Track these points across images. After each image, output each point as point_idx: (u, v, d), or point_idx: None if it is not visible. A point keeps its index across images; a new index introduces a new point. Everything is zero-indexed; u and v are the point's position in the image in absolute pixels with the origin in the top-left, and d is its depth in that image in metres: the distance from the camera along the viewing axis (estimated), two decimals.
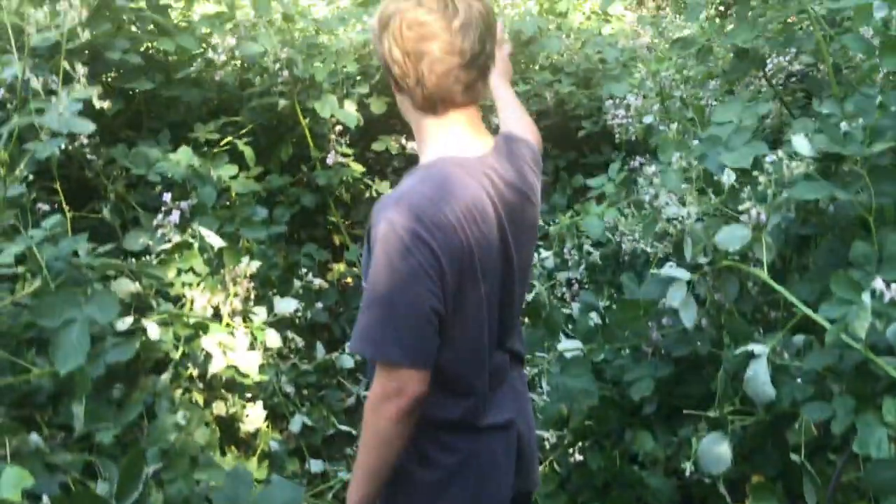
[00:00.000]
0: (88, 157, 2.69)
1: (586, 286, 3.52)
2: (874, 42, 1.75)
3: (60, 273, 2.11)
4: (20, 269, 2.02)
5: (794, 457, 1.60)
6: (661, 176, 2.02)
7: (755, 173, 1.76)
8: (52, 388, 1.81)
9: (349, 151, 3.55)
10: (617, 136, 3.46)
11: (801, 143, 1.74)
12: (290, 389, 2.90)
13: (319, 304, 3.22)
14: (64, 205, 2.54)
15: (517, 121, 1.69)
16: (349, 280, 3.77)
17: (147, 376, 2.09)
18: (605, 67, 4.29)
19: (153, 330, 2.27)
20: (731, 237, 1.71)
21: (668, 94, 2.97)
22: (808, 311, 1.57)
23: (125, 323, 2.22)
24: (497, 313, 1.42)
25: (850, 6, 1.85)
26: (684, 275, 1.82)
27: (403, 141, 3.77)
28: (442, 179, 1.33)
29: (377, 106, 3.66)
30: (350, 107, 3.43)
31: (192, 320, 2.30)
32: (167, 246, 2.45)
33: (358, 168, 3.60)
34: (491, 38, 1.34)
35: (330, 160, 3.38)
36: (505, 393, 1.48)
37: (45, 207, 2.46)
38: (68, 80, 1.72)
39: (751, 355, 1.60)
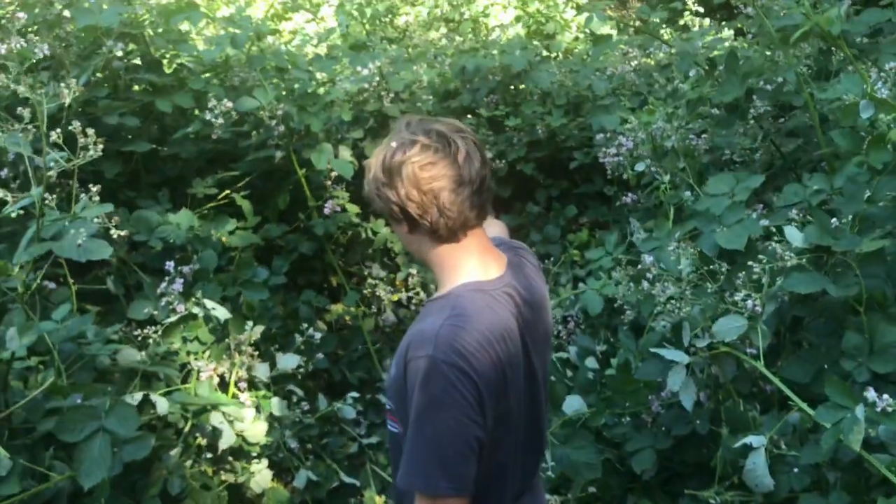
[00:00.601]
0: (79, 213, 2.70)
1: (582, 326, 3.58)
2: (860, 135, 1.81)
3: (70, 355, 2.16)
4: (32, 361, 2.06)
5: None
6: (656, 254, 2.07)
7: (750, 263, 1.82)
8: (71, 488, 1.85)
9: (345, 195, 3.59)
10: (609, 172, 3.51)
11: (792, 233, 1.81)
12: (294, 444, 2.95)
13: (320, 355, 3.27)
14: (68, 277, 2.57)
15: (492, 223, 1.77)
16: (347, 319, 3.82)
17: (159, 459, 2.13)
18: (595, 97, 4.33)
19: (162, 405, 2.31)
20: (729, 328, 1.78)
21: (659, 145, 3.03)
22: (804, 406, 1.63)
23: (134, 399, 2.26)
24: (524, 425, 1.48)
25: (841, 97, 1.91)
26: (683, 358, 1.88)
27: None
28: (471, 309, 1.38)
29: (371, 149, 3.69)
30: (345, 152, 3.47)
31: (200, 396, 2.34)
32: (173, 319, 2.48)
33: (354, 210, 3.64)
34: (484, 161, 1.42)
35: (328, 210, 3.42)
36: (528, 499, 1.54)
37: (52, 285, 2.48)
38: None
39: (749, 448, 1.66)
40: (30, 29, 2.86)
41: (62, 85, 1.66)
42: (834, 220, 1.79)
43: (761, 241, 2.03)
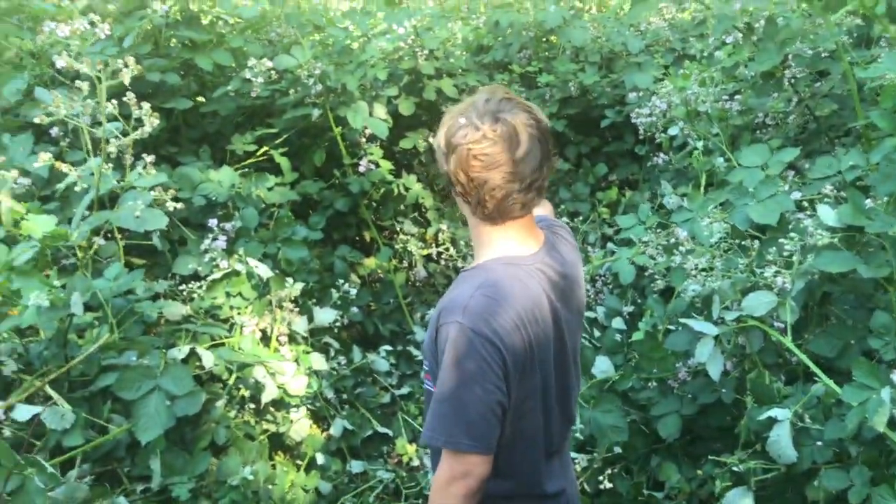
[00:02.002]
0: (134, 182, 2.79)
1: (610, 286, 3.64)
2: None
3: (121, 310, 2.26)
4: (87, 316, 2.17)
5: None
6: (688, 226, 2.12)
7: (781, 240, 1.86)
8: (128, 441, 1.97)
9: (378, 151, 3.64)
10: (641, 133, 3.52)
11: (826, 212, 1.84)
12: (330, 395, 3.08)
13: (355, 309, 3.37)
14: (116, 233, 2.66)
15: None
16: (380, 273, 3.91)
17: (207, 412, 2.25)
18: (628, 55, 4.29)
19: (207, 359, 2.41)
20: (758, 303, 1.83)
21: (692, 109, 3.03)
22: (830, 383, 1.70)
23: (182, 352, 2.37)
24: (557, 395, 1.56)
25: (878, 76, 1.91)
26: (711, 330, 1.93)
27: (431, 138, 3.85)
28: (502, 283, 1.45)
29: (405, 107, 3.73)
30: (380, 110, 3.51)
31: (244, 350, 2.44)
32: (217, 275, 2.58)
33: (387, 166, 3.69)
34: (547, 158, 1.45)
35: (362, 167, 3.48)
36: (559, 464, 1.63)
37: (101, 241, 2.58)
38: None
39: (774, 420, 1.73)
40: None
41: (119, 63, 1.71)
42: (868, 200, 1.82)
43: (792, 214, 2.06)
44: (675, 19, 4.69)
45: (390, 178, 3.69)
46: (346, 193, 3.61)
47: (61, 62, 1.77)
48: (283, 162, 3.29)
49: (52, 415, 1.70)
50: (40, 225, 1.76)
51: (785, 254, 1.87)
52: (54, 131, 2.54)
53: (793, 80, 2.89)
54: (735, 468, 1.87)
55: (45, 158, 1.75)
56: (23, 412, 1.74)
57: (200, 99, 3.33)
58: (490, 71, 4.41)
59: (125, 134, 1.76)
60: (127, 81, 1.74)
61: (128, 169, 1.82)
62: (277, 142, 3.36)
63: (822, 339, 1.94)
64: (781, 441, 1.71)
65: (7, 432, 1.70)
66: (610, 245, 3.61)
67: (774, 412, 1.73)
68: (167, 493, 1.94)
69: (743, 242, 1.95)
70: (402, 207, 3.93)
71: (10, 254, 1.71)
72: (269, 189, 3.22)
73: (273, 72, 3.19)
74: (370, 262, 3.86)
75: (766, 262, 1.90)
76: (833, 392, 1.80)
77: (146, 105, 1.75)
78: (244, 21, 3.37)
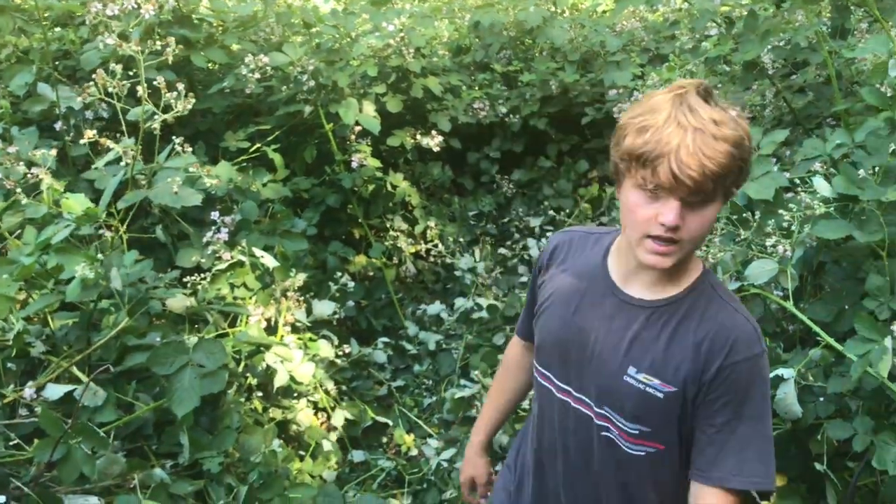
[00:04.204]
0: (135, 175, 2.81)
1: None
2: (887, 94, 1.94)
3: (132, 298, 2.29)
4: (104, 303, 2.19)
5: (817, 466, 1.84)
6: None
7: (780, 212, 1.96)
8: (154, 419, 2.00)
9: (367, 149, 3.70)
10: None
11: (821, 183, 1.95)
12: (330, 386, 3.11)
13: (351, 303, 3.42)
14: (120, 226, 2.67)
15: None
16: (370, 271, 3.96)
17: (224, 394, 2.28)
18: (607, 54, 4.42)
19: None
20: (760, 271, 1.93)
21: None
22: (831, 341, 1.80)
23: (191, 341, 2.40)
24: None
25: (865, 55, 2.04)
26: (790, 373, 1.99)
27: (418, 136, 3.92)
28: None
29: (393, 105, 3.80)
30: (369, 107, 3.57)
31: (254, 338, 2.48)
32: (222, 266, 2.61)
33: (375, 164, 3.75)
34: None
35: (354, 164, 3.53)
36: None
37: (107, 233, 2.59)
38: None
39: (780, 378, 1.82)
40: None
41: (158, 44, 1.76)
42: (861, 172, 1.93)
43: (785, 193, 2.17)
44: (648, 21, 4.84)
45: (380, 174, 3.75)
46: (337, 190, 3.66)
47: (110, 39, 1.81)
48: (277, 158, 3.33)
49: (85, 393, 1.72)
50: (79, 203, 1.78)
51: (784, 224, 1.97)
52: (58, 125, 2.56)
53: (771, 72, 3.03)
54: None
55: (89, 135, 1.79)
56: (54, 391, 1.76)
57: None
58: (471, 71, 4.51)
59: (156, 115, 1.80)
60: (170, 61, 1.79)
61: (156, 151, 1.85)
62: (270, 139, 3.40)
63: (818, 305, 2.05)
64: (787, 398, 1.80)
65: (39, 411, 1.72)
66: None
67: (780, 371, 1.82)
68: (195, 469, 1.96)
69: (743, 216, 2.04)
70: (391, 205, 3.98)
71: (45, 232, 1.73)
72: (264, 185, 3.26)
73: (267, 69, 3.23)
74: (360, 258, 3.91)
75: (766, 234, 2.00)
76: (830, 354, 1.91)
77: (180, 85, 1.80)
78: (236, 20, 3.41)
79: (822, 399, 1.85)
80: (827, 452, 1.86)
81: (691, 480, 1.40)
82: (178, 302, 2.60)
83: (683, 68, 3.16)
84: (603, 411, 1.43)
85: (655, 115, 1.24)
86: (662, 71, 3.16)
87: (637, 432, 1.41)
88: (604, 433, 1.45)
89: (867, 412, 1.78)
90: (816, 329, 1.84)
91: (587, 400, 1.46)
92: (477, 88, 4.33)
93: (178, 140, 1.86)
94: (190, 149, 1.91)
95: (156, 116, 1.82)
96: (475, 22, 4.49)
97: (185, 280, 2.72)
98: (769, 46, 2.89)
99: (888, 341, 1.60)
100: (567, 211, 4.24)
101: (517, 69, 4.45)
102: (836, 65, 2.77)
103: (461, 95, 4.21)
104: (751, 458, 1.33)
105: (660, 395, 1.36)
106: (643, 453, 1.43)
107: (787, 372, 1.82)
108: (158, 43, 1.81)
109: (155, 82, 1.79)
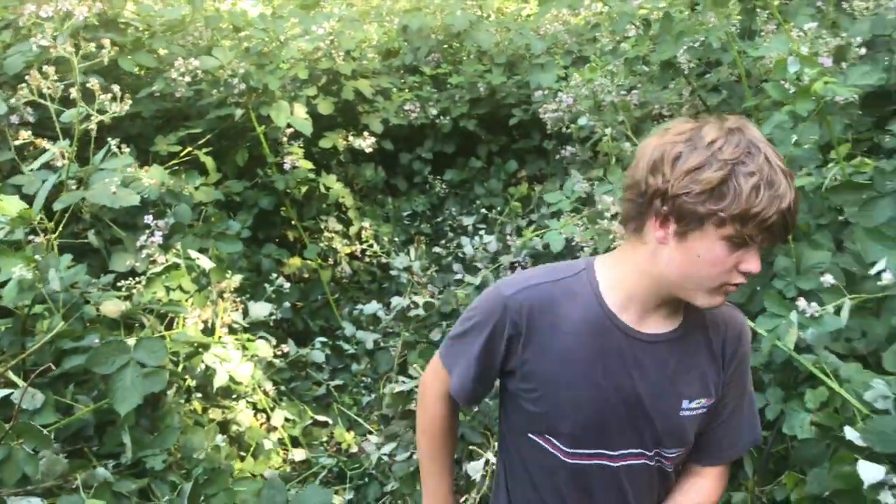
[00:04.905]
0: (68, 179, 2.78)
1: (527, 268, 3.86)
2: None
3: (66, 304, 2.28)
4: (37, 308, 2.17)
5: None
6: (613, 196, 2.33)
7: None
8: (95, 421, 1.99)
9: (299, 151, 3.73)
10: (549, 127, 3.75)
11: None
12: (269, 387, 3.13)
13: (287, 304, 3.44)
14: (49, 231, 2.64)
15: None
16: (305, 273, 3.98)
17: (164, 395, 2.28)
18: (531, 56, 4.54)
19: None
20: None
21: (599, 101, 3.28)
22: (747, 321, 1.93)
23: (132, 340, 2.39)
24: None
25: (769, 54, 2.19)
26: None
27: (350, 138, 3.97)
28: None
29: (324, 107, 3.84)
30: (300, 110, 3.60)
31: (192, 338, 2.48)
32: (158, 269, 2.61)
33: (307, 165, 3.78)
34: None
35: (287, 165, 3.55)
36: None
37: (38, 238, 2.56)
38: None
39: None
40: None
41: (91, 46, 1.76)
42: None
43: None
44: (571, 24, 4.99)
45: (313, 176, 3.78)
46: (270, 192, 3.68)
47: (44, 41, 1.80)
48: (209, 161, 3.33)
49: (24, 395, 1.71)
50: (13, 206, 1.77)
51: None
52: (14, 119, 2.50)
53: (686, 71, 3.19)
54: None
55: (24, 136, 1.78)
56: None
57: None
58: (400, 74, 4.58)
59: (89, 117, 1.80)
60: (106, 62, 1.79)
61: (91, 154, 1.86)
62: (201, 142, 3.40)
63: None
64: None
65: None
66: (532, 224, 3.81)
67: None
68: (138, 468, 1.96)
69: None
70: (324, 206, 4.02)
71: None
72: (196, 188, 3.25)
73: (197, 72, 3.23)
74: (295, 260, 3.93)
75: None
76: None
77: (116, 87, 1.81)
78: (164, 24, 3.40)
79: None
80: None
81: (696, 464, 1.47)
82: (113, 306, 2.58)
83: (604, 69, 3.30)
84: (656, 451, 1.39)
85: (752, 165, 1.16)
86: (585, 71, 3.29)
87: (683, 452, 1.42)
88: (659, 466, 1.41)
89: (778, 384, 1.92)
90: None
91: (636, 451, 1.38)
92: (407, 91, 4.40)
93: (113, 142, 1.87)
94: (127, 149, 1.91)
95: (91, 118, 1.82)
96: (403, 26, 4.57)
97: (119, 284, 2.71)
98: (684, 47, 3.05)
99: (793, 315, 1.74)
100: (498, 209, 4.35)
101: (446, 72, 4.54)
102: (746, 64, 2.94)
103: (392, 98, 4.27)
104: (749, 426, 1.45)
105: (705, 410, 1.39)
106: (676, 466, 1.46)
107: None
108: (92, 45, 1.81)
109: (88, 85, 1.79)
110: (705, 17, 3.08)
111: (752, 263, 1.21)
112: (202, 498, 1.83)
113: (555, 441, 1.38)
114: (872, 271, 1.75)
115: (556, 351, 1.34)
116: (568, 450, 1.37)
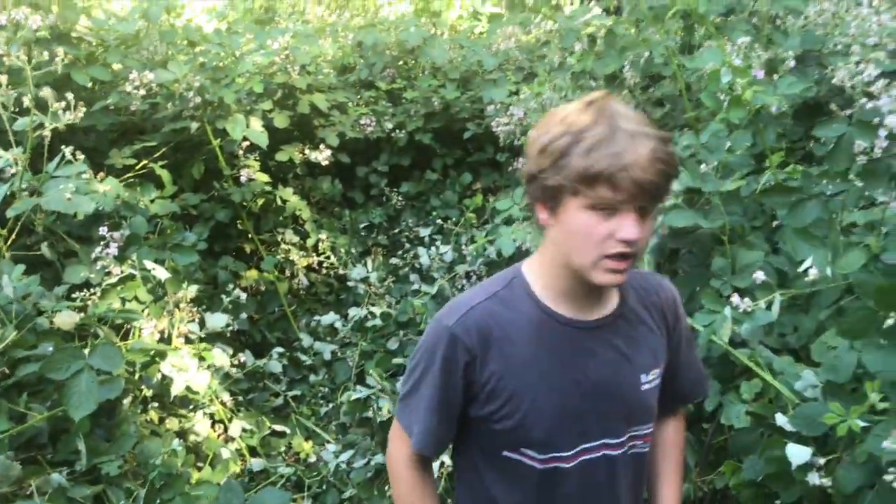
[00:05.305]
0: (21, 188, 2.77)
1: (482, 279, 3.93)
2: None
3: (19, 315, 2.28)
4: None
5: None
6: None
7: None
8: (49, 428, 2.00)
9: (255, 164, 3.76)
10: (501, 140, 3.84)
11: None
12: (226, 397, 3.14)
13: (244, 315, 3.46)
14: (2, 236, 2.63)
15: None
16: (262, 285, 4.00)
17: (121, 403, 2.29)
18: (484, 72, 4.65)
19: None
20: None
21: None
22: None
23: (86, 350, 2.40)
24: None
25: (705, 66, 2.30)
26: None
27: (307, 151, 4.01)
28: None
29: (280, 120, 3.88)
30: (255, 123, 3.64)
31: (149, 346, 2.50)
32: (113, 280, 2.62)
33: (263, 178, 3.81)
34: None
35: (243, 178, 3.59)
36: None
37: None
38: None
39: None
40: None
41: (45, 54, 1.79)
42: (702, 166, 2.19)
43: None
44: (522, 41, 5.12)
45: (269, 188, 3.81)
46: (227, 205, 3.70)
47: None
48: (164, 174, 3.34)
49: None
50: None
51: None
52: None
53: (630, 88, 3.32)
54: None
55: None
56: None
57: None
58: (356, 89, 4.65)
59: (42, 125, 1.83)
60: (59, 70, 1.82)
61: (45, 162, 1.88)
62: (156, 155, 3.41)
63: None
64: None
65: None
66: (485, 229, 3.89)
67: None
68: (93, 475, 1.97)
69: None
70: (281, 219, 4.05)
71: None
72: (151, 201, 3.27)
73: (152, 86, 3.25)
74: (252, 273, 3.95)
75: None
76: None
77: (69, 95, 1.83)
78: (118, 38, 3.42)
79: None
80: (686, 418, 2.08)
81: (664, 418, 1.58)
82: (67, 318, 2.58)
83: (552, 83, 3.40)
84: (630, 433, 1.42)
85: (593, 131, 1.20)
86: (534, 85, 3.39)
87: (652, 428, 1.46)
88: (631, 452, 1.43)
89: (717, 377, 2.01)
90: None
91: (611, 441, 1.40)
92: (363, 105, 4.47)
93: (68, 150, 1.89)
94: (81, 156, 1.93)
95: (45, 126, 1.84)
96: (358, 42, 4.64)
97: (73, 296, 2.71)
98: (628, 62, 3.17)
99: (727, 310, 1.84)
100: (454, 220, 4.43)
101: (401, 87, 4.62)
102: (686, 77, 3.08)
103: (348, 112, 4.33)
104: (700, 373, 1.61)
105: (660, 379, 1.44)
106: (649, 446, 1.48)
107: None
108: (45, 53, 1.84)
109: (41, 94, 1.82)
110: (648, 34, 3.21)
111: (626, 230, 1.21)
112: (158, 503, 1.85)
113: (529, 451, 1.37)
114: (801, 269, 1.86)
115: (512, 362, 1.34)
116: (541, 456, 1.37)
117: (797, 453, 1.53)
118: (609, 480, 1.40)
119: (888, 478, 1.21)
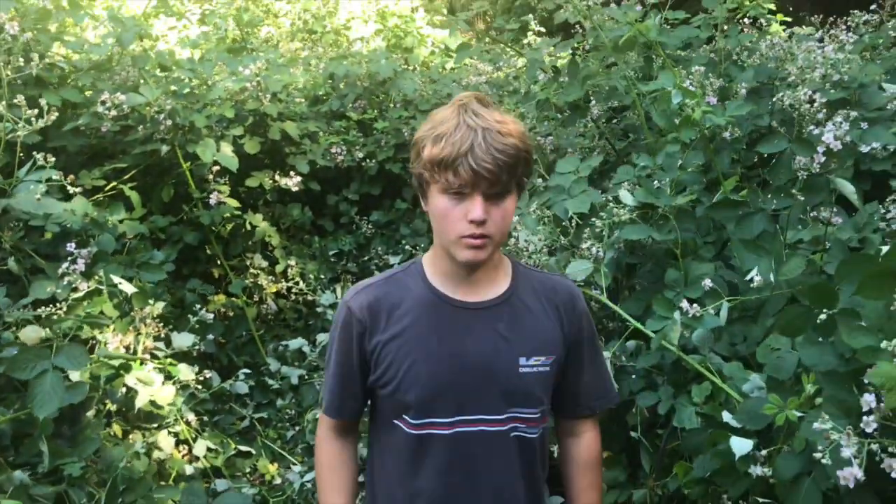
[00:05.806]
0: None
1: None
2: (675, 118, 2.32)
3: None
4: None
5: (633, 434, 2.12)
6: (521, 218, 2.50)
7: (593, 220, 2.28)
8: (11, 432, 2.00)
9: (225, 188, 3.81)
10: None
11: (625, 195, 2.29)
12: (191, 417, 3.14)
13: (211, 337, 3.47)
14: None
15: None
16: (230, 310, 4.02)
17: (85, 411, 2.29)
18: None
19: (74, 373, 2.46)
20: (578, 269, 2.22)
21: None
22: (638, 325, 2.10)
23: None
24: None
25: (658, 89, 2.42)
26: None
27: (277, 177, 4.07)
28: None
29: (251, 146, 3.94)
30: (226, 148, 3.69)
31: (115, 361, 2.51)
32: (79, 294, 2.63)
33: (233, 203, 3.85)
34: None
35: (213, 201, 3.63)
36: None
37: None
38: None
39: None
40: None
41: (21, 58, 1.84)
42: (656, 183, 2.28)
43: (601, 208, 2.50)
44: (491, 78, 5.27)
45: (239, 213, 3.85)
46: (196, 227, 3.73)
47: None
48: (134, 196, 3.37)
49: None
50: None
51: (597, 230, 2.28)
52: None
53: (594, 119, 3.44)
54: None
55: None
56: None
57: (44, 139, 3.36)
58: (327, 119, 4.73)
59: (15, 130, 1.87)
60: (34, 73, 1.86)
61: (16, 167, 1.91)
62: (126, 177, 3.45)
63: (630, 302, 2.36)
64: None
65: None
66: None
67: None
68: (56, 476, 1.97)
69: (564, 224, 2.35)
70: (250, 243, 4.08)
71: None
72: (120, 222, 3.29)
73: (123, 107, 3.30)
74: (220, 297, 3.96)
75: (583, 239, 2.31)
76: (641, 344, 2.22)
77: (43, 100, 1.88)
78: (90, 63, 3.47)
79: (633, 376, 2.14)
80: (641, 424, 2.15)
81: (566, 419, 1.70)
82: (33, 332, 2.59)
83: (517, 112, 3.52)
84: (510, 413, 1.52)
85: (446, 124, 1.40)
86: None
87: (538, 415, 1.56)
88: (514, 434, 1.53)
89: (670, 383, 2.08)
90: (627, 317, 2.13)
91: (489, 417, 1.51)
92: (334, 135, 4.54)
93: (39, 155, 1.93)
94: (53, 158, 1.97)
95: (19, 127, 1.88)
96: (330, 73, 4.74)
97: (39, 311, 2.71)
98: (590, 91, 3.29)
99: (677, 315, 1.91)
100: (423, 248, 4.48)
101: (372, 117, 4.72)
102: (645, 106, 3.20)
103: (319, 140, 4.40)
104: (608, 382, 1.72)
105: (548, 368, 1.55)
106: (539, 432, 1.58)
107: (604, 354, 2.10)
108: (20, 61, 1.89)
109: (15, 100, 1.86)
110: (608, 64, 3.34)
111: (473, 212, 1.39)
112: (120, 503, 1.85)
113: (406, 417, 1.53)
114: (747, 277, 1.95)
115: (395, 333, 1.52)
116: (415, 421, 1.51)
117: (740, 445, 1.59)
118: (485, 454, 1.52)
119: (817, 455, 1.27)
